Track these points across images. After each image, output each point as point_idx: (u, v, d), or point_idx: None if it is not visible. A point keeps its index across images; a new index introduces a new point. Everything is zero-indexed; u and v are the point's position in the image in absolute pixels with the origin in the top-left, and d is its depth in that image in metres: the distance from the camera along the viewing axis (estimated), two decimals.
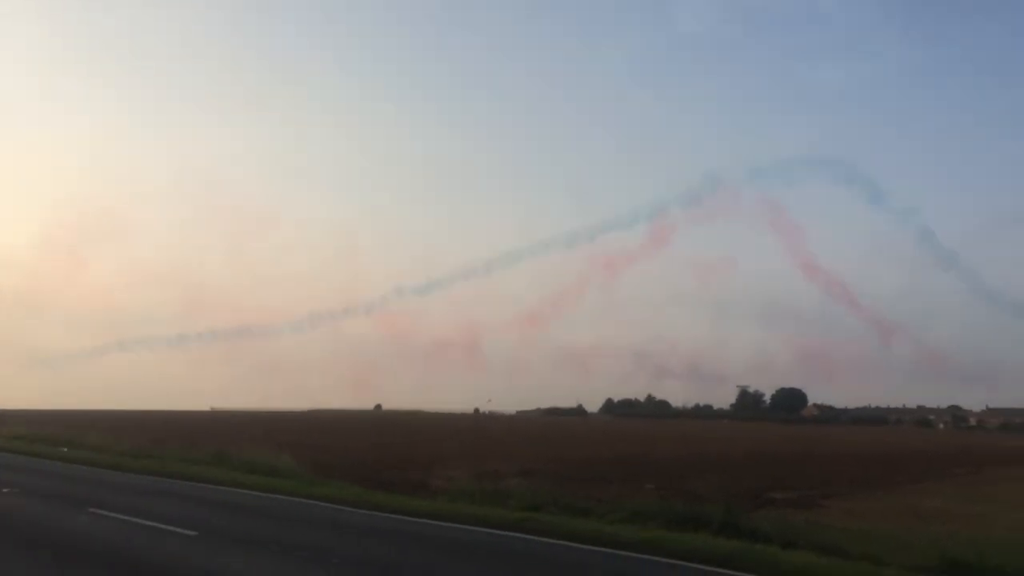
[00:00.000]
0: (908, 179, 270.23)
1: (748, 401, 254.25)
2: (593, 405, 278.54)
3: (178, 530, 15.49)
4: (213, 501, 21.02)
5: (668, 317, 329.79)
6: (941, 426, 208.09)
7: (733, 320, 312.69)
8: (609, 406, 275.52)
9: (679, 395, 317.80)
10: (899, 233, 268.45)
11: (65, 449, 39.34)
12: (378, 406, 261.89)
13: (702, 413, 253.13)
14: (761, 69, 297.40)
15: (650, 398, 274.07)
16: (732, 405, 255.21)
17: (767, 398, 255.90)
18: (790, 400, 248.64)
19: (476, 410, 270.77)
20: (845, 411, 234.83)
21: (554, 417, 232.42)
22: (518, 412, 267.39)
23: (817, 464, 44.62)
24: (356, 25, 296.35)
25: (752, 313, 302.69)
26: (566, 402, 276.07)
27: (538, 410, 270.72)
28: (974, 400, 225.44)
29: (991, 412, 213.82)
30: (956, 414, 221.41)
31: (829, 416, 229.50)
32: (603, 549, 14.44)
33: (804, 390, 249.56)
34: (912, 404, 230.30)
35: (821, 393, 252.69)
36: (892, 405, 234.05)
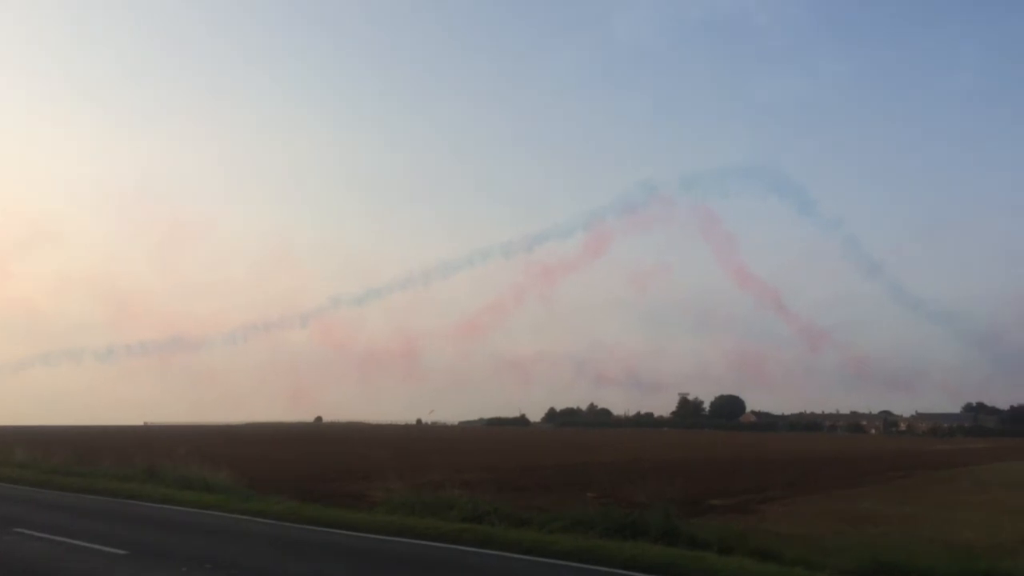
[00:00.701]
0: (837, 190, 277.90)
1: (688, 409, 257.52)
2: (536, 415, 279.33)
3: (107, 549, 14.98)
4: (144, 518, 20.39)
5: (608, 326, 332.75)
6: (873, 431, 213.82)
7: (672, 328, 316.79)
8: (552, 415, 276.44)
9: (621, 403, 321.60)
10: (828, 242, 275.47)
11: None
12: (318, 418, 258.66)
13: (643, 421, 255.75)
14: (698, 81, 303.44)
15: (592, 407, 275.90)
16: (673, 413, 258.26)
17: (707, 406, 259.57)
18: (729, 407, 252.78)
19: (418, 421, 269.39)
20: (782, 417, 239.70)
21: (497, 427, 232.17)
22: (461, 423, 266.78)
23: (755, 470, 45.35)
24: (290, 38, 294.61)
25: (690, 321, 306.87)
26: (509, 412, 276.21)
27: (481, 420, 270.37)
28: (904, 406, 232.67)
29: (920, 417, 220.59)
30: (887, 419, 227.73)
31: (766, 422, 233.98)
32: (540, 559, 14.42)
33: (742, 397, 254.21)
34: (845, 410, 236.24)
35: (759, 400, 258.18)
36: (827, 411, 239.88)
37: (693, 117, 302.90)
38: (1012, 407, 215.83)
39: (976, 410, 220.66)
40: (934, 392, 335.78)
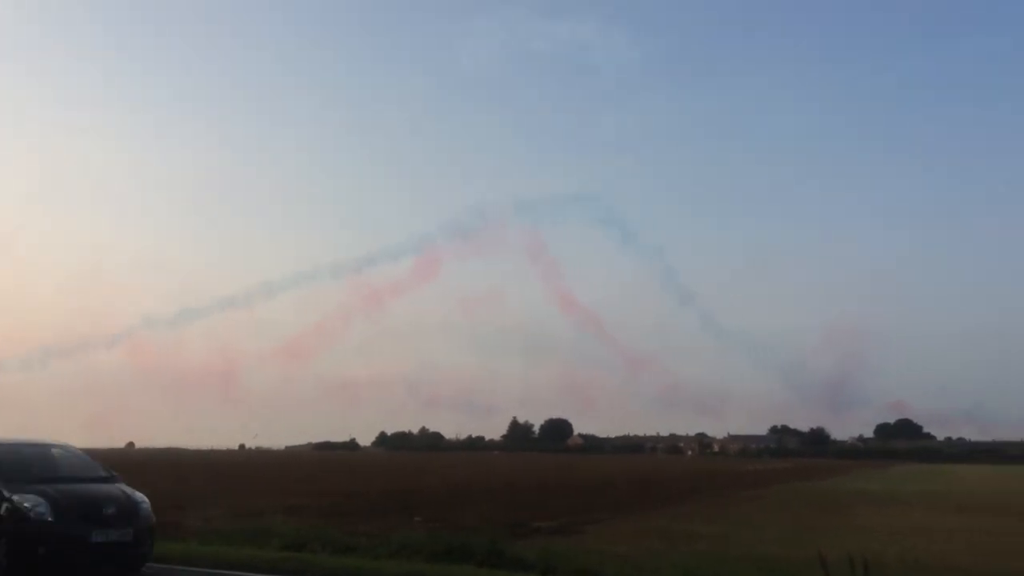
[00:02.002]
0: (659, 223, 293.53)
1: (519, 432, 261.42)
2: (366, 438, 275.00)
3: None
4: None
5: (440, 349, 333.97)
6: (690, 452, 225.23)
7: (503, 352, 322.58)
8: (383, 439, 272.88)
9: (453, 427, 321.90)
10: (649, 272, 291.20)
11: None
12: (130, 444, 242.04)
13: (475, 444, 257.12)
14: (536, 111, 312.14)
15: (424, 430, 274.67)
16: (504, 436, 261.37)
17: (536, 429, 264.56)
18: (557, 430, 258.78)
19: (241, 446, 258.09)
20: (607, 440, 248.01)
21: (326, 451, 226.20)
22: (287, 447, 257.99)
23: (580, 492, 46.51)
24: (126, 38, 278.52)
25: (520, 345, 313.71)
26: (338, 436, 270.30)
27: (309, 444, 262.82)
28: (717, 428, 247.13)
29: (731, 439, 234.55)
30: (703, 441, 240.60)
31: (593, 445, 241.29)
32: None
33: (570, 420, 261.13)
34: (665, 432, 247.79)
35: (586, 423, 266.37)
36: (648, 433, 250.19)
37: (528, 145, 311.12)
38: (812, 429, 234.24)
39: (781, 432, 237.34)
40: (743, 415, 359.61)
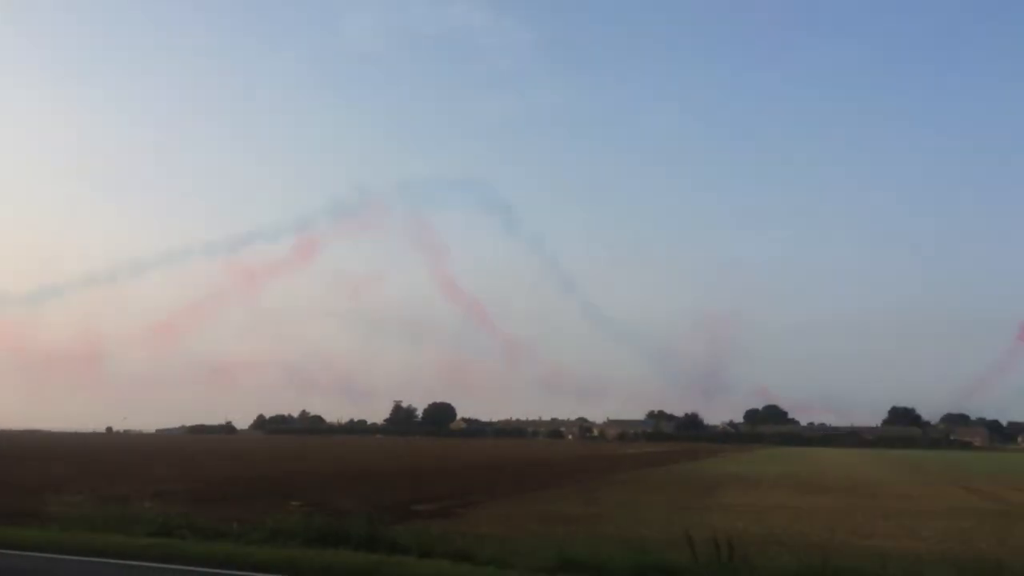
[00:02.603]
0: (543, 210, 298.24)
1: (401, 416, 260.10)
2: (243, 422, 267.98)
3: None
4: None
5: (320, 332, 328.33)
6: (570, 437, 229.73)
7: (385, 335, 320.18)
8: (261, 422, 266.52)
9: (334, 410, 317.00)
10: (531, 259, 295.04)
11: None
12: None
13: (357, 428, 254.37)
14: (422, 93, 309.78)
15: (304, 413, 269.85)
16: (386, 420, 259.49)
17: (419, 413, 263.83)
18: (441, 414, 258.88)
19: (109, 429, 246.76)
20: (489, 424, 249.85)
21: (200, 435, 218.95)
22: (158, 430, 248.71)
23: (460, 475, 46.75)
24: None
25: (403, 329, 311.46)
26: (214, 419, 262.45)
27: (182, 428, 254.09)
28: (597, 413, 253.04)
29: (610, 423, 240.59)
30: (583, 426, 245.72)
31: (475, 429, 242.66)
32: (231, 572, 13.72)
33: (453, 405, 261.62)
34: (547, 417, 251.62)
35: (469, 407, 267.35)
36: (530, 418, 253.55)
37: (413, 128, 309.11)
38: (686, 415, 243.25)
39: (657, 417, 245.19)
40: (622, 401, 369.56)
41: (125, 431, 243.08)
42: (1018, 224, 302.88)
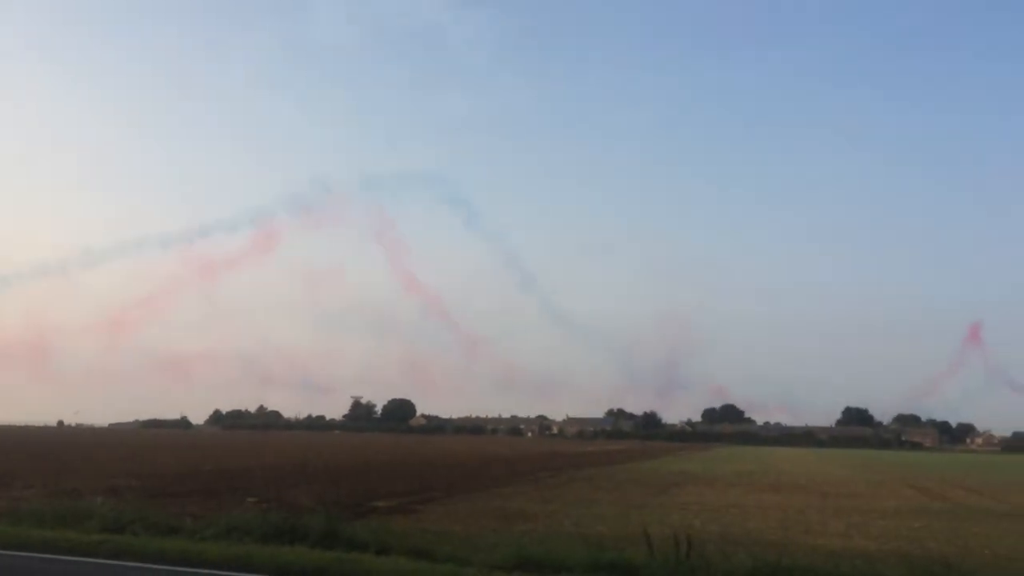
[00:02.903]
0: (505, 207, 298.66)
1: (361, 412, 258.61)
2: (199, 416, 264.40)
3: None
4: None
5: (278, 326, 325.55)
6: (530, 434, 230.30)
7: (344, 330, 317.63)
8: (217, 417, 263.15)
9: (292, 405, 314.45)
10: (492, 255, 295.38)
11: None
12: None
13: (315, 424, 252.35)
14: (389, 86, 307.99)
15: (261, 409, 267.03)
16: (345, 415, 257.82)
17: (379, 409, 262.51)
18: (401, 410, 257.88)
19: (61, 423, 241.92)
20: (450, 421, 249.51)
21: (154, 429, 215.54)
22: (112, 425, 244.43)
23: (419, 472, 46.59)
24: None
25: (362, 324, 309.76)
26: (169, 413, 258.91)
27: (136, 422, 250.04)
28: (557, 410, 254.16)
29: (570, 421, 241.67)
30: (543, 423, 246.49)
31: (435, 425, 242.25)
32: (184, 569, 13.52)
33: (413, 401, 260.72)
34: (507, 414, 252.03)
35: (429, 404, 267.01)
36: (490, 415, 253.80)
37: (378, 121, 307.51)
38: (645, 413, 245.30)
39: (616, 415, 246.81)
40: (582, 399, 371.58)
41: (77, 425, 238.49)
42: (969, 228, 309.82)
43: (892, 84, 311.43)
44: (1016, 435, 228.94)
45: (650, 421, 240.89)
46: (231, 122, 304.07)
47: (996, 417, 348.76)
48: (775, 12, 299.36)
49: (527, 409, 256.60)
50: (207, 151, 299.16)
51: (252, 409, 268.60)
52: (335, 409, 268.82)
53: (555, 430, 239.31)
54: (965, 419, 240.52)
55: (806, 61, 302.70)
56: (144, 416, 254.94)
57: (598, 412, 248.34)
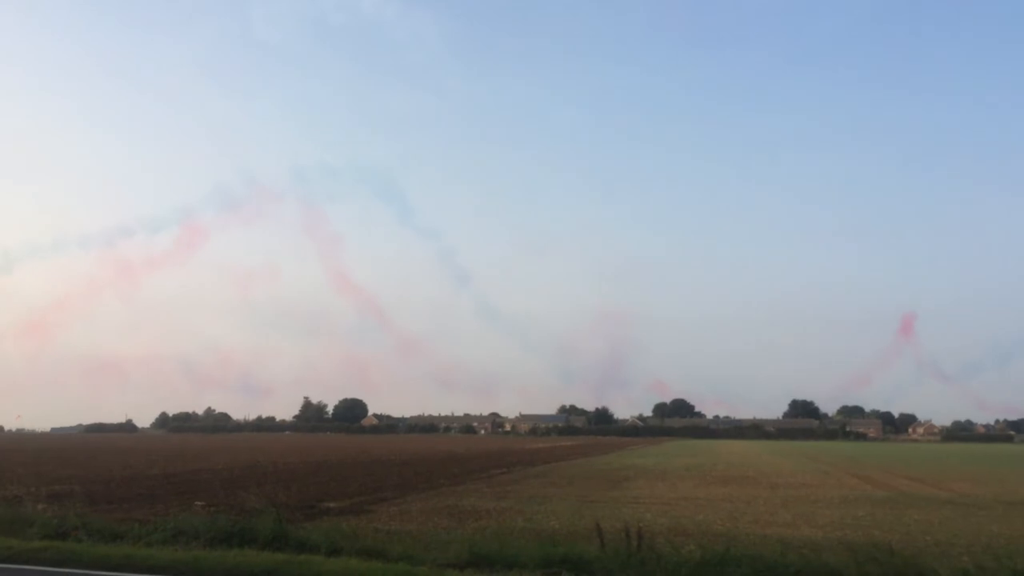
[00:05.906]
0: (442, 205, 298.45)
1: (311, 412, 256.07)
2: (145, 420, 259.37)
3: None
4: None
5: (215, 326, 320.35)
6: (483, 432, 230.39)
7: (283, 330, 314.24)
8: (163, 420, 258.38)
9: (241, 407, 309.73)
10: (433, 253, 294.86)
11: None
12: None
13: (265, 425, 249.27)
14: (328, 82, 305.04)
15: (209, 411, 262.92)
16: (296, 416, 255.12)
17: (330, 409, 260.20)
18: (352, 411, 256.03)
19: (0, 428, 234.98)
20: (402, 420, 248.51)
21: (99, 434, 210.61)
22: (54, 429, 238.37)
23: (371, 471, 46.28)
24: None
25: (301, 323, 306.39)
26: (113, 417, 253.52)
27: (79, 427, 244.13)
28: (509, 408, 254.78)
29: (522, 418, 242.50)
30: (495, 421, 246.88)
31: (388, 425, 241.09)
32: (126, 575, 13.23)
33: (365, 401, 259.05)
34: (460, 412, 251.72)
35: (381, 403, 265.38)
36: (443, 413, 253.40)
37: (316, 119, 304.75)
38: (596, 409, 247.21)
39: (568, 412, 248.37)
40: (534, 396, 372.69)
41: (18, 430, 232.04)
42: (905, 220, 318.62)
43: (831, 76, 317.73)
44: (956, 424, 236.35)
45: (602, 417, 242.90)
46: (161, 119, 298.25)
47: (937, 407, 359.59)
48: (716, 16, 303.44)
49: (480, 407, 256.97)
50: (127, 145, 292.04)
51: (199, 412, 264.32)
52: (285, 410, 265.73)
53: (508, 427, 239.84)
54: (907, 410, 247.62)
55: (738, 64, 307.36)
56: (88, 420, 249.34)
57: (551, 409, 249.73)
